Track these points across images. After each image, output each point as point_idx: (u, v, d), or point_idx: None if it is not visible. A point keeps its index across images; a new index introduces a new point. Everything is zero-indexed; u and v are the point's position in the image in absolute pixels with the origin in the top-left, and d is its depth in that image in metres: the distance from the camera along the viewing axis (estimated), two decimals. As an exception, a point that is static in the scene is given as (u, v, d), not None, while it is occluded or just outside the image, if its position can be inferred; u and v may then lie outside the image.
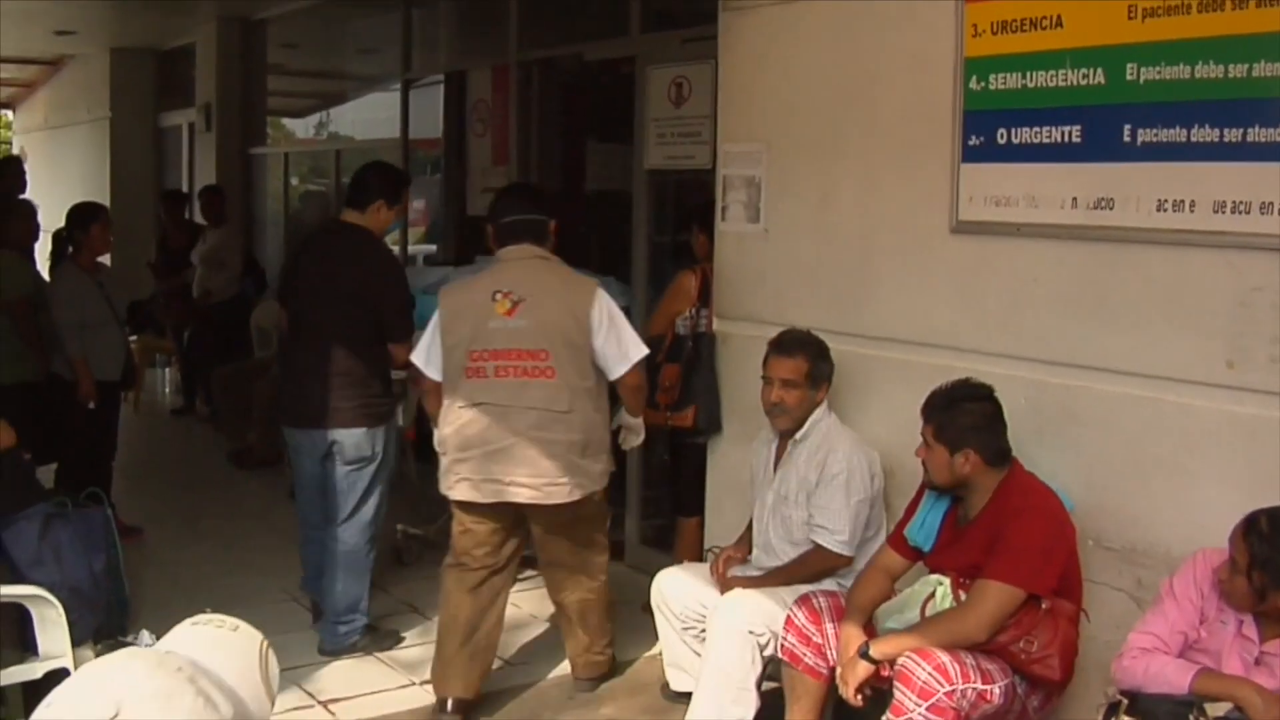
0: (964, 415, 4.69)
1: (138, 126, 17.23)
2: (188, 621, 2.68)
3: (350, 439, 6.40)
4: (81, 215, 8.70)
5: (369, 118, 12.71)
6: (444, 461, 5.74)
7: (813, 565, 5.35)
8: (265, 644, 2.58)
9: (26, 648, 5.21)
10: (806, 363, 5.41)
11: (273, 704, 2.56)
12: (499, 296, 5.60)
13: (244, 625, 2.63)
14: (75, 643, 5.19)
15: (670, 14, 8.36)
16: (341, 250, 6.49)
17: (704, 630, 5.45)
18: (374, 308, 6.39)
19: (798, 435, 5.44)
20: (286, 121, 15.36)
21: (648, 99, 7.77)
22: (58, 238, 9.46)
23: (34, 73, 19.98)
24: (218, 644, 2.54)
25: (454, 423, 5.65)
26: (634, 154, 8.00)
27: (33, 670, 5.13)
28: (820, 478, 5.34)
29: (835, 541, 5.30)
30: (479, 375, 5.61)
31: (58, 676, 4.50)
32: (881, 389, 5.57)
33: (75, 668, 4.71)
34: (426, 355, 5.77)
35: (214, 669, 2.42)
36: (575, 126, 9.69)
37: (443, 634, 5.86)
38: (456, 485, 5.68)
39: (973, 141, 5.23)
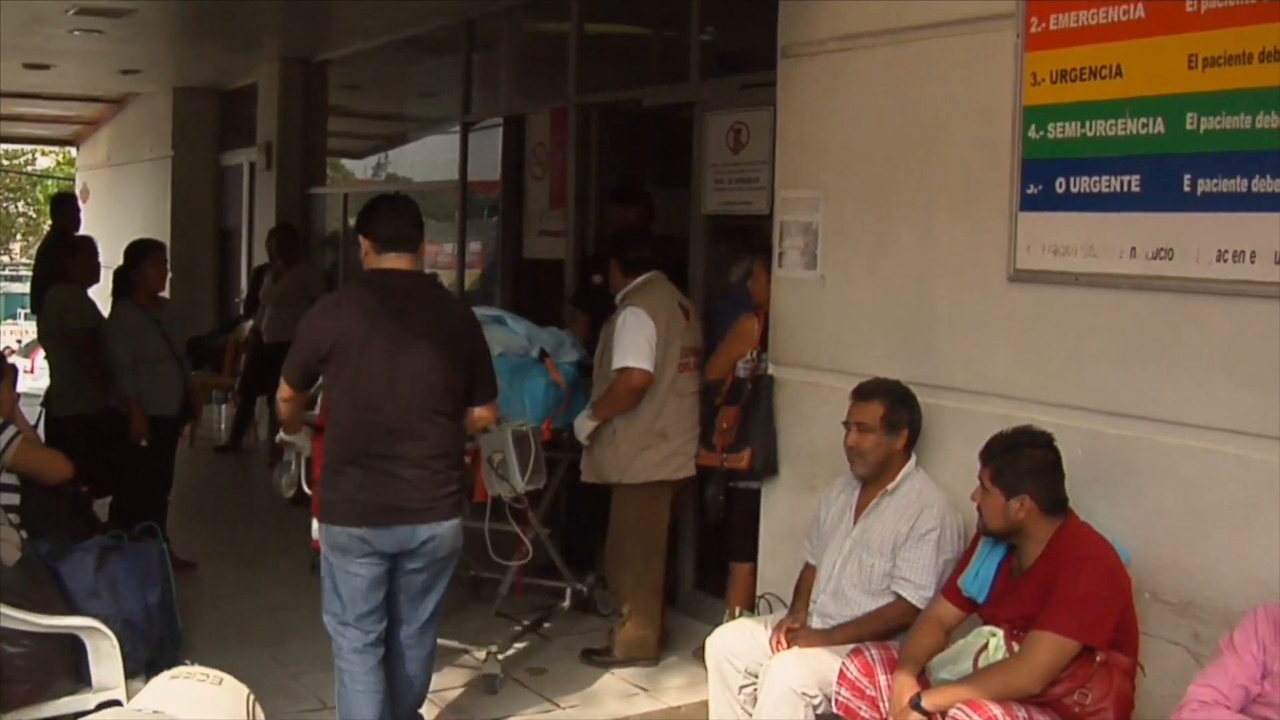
0: (1023, 460, 4.67)
1: (199, 165, 17.39)
2: (166, 675, 2.59)
3: (450, 532, 5.47)
4: (135, 252, 8.79)
5: (428, 160, 12.77)
6: (663, 447, 6.92)
7: (891, 619, 5.30)
8: (253, 698, 2.50)
9: (80, 679, 5.24)
10: (883, 407, 5.39)
11: None
12: (684, 306, 7.15)
13: (228, 678, 2.55)
14: (128, 675, 5.21)
15: (729, 60, 8.37)
16: (424, 303, 5.50)
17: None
18: (468, 366, 5.52)
19: (889, 487, 5.40)
20: (346, 162, 15.45)
21: (706, 144, 7.80)
22: (118, 275, 9.56)
23: (98, 110, 20.20)
24: (204, 700, 2.46)
25: (674, 411, 6.95)
26: (691, 199, 8.02)
27: (86, 702, 5.16)
28: (911, 531, 5.30)
29: (919, 596, 5.24)
30: (686, 369, 6.99)
31: (110, 708, 4.51)
32: (937, 437, 5.53)
33: (128, 699, 4.72)
34: (647, 354, 6.81)
35: None
36: (633, 171, 9.70)
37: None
38: (683, 465, 6.99)
39: (1031, 190, 5.22)
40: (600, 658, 7.11)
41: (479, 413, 5.66)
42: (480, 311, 6.44)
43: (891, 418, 5.39)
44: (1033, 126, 5.20)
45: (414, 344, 5.33)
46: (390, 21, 11.95)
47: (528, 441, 6.72)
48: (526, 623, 7.46)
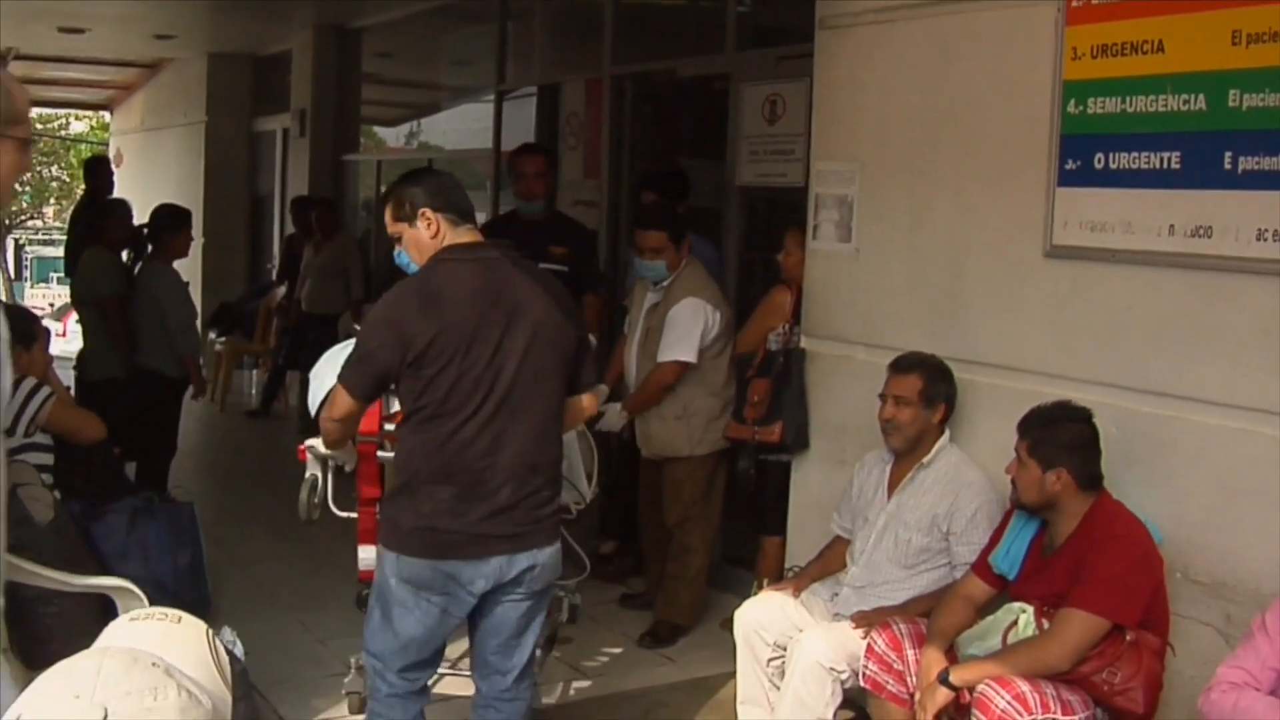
0: (1061, 433, 4.64)
1: (232, 131, 17.42)
2: (125, 617, 2.60)
3: (551, 559, 4.62)
4: (173, 218, 8.87)
5: (461, 128, 12.78)
6: (724, 416, 6.93)
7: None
8: (210, 632, 2.51)
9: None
10: (921, 381, 5.37)
11: (230, 694, 2.49)
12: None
13: (186, 616, 2.55)
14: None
15: (765, 32, 8.35)
16: (524, 280, 4.58)
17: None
18: (573, 350, 4.66)
19: (925, 460, 5.38)
20: (379, 130, 15.46)
21: (741, 116, 7.79)
22: (147, 236, 9.68)
23: (132, 75, 20.23)
24: (167, 637, 2.46)
25: (724, 394, 6.95)
26: (725, 170, 8.00)
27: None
28: (954, 513, 5.27)
29: None
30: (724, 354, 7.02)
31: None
32: (969, 413, 5.51)
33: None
34: (696, 346, 6.84)
35: (174, 662, 2.36)
36: (667, 141, 9.68)
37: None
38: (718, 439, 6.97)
39: (1069, 165, 5.17)
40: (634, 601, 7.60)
41: (585, 402, 4.80)
42: None
43: (929, 392, 5.37)
44: (1072, 101, 5.16)
45: (521, 332, 4.45)
46: (425, -11, 11.95)
47: (586, 439, 5.94)
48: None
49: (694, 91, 9.16)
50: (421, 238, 4.55)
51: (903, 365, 5.45)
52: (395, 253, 4.70)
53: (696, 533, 7.13)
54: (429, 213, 4.54)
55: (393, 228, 4.64)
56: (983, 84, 5.57)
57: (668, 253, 6.93)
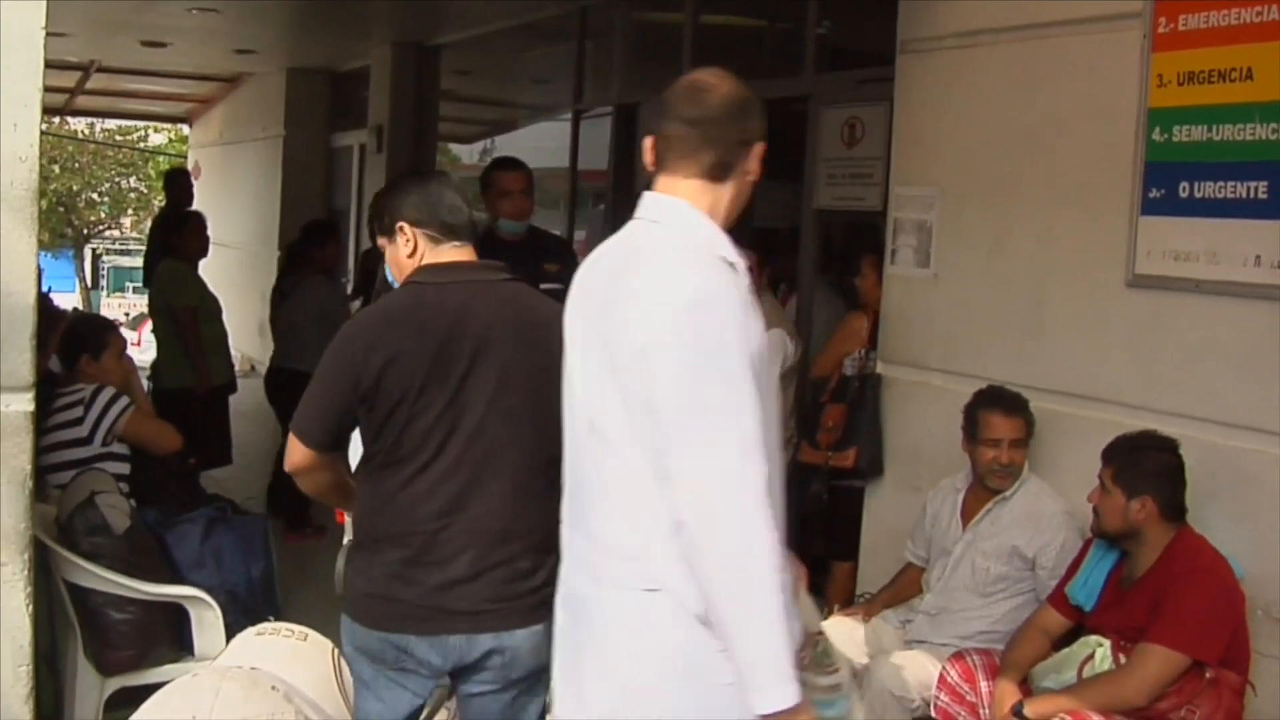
0: (1147, 461, 4.58)
1: (310, 145, 17.51)
2: (252, 631, 2.55)
3: (529, 643, 3.75)
4: (319, 232, 9.96)
5: (538, 146, 12.77)
6: None
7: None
8: (336, 652, 2.47)
9: (182, 647, 5.30)
10: (1025, 423, 5.31)
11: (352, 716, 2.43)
12: None
13: (313, 634, 2.51)
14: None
15: (845, 54, 8.32)
16: (506, 305, 3.89)
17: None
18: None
19: (1006, 494, 5.31)
20: (456, 147, 15.50)
21: (819, 139, 7.76)
22: (291, 251, 10.19)
23: (212, 89, 20.41)
24: (293, 656, 2.43)
25: (788, 427, 6.35)
26: (803, 193, 7.97)
27: (188, 669, 5.19)
28: (1041, 545, 5.19)
29: None
30: None
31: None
32: (1048, 442, 5.45)
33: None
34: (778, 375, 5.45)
35: (296, 683, 2.31)
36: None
37: None
38: None
39: (1153, 194, 5.12)
40: None
41: None
42: None
43: (1030, 431, 5.32)
44: (1157, 129, 5.11)
45: (490, 371, 3.75)
46: (504, 8, 11.93)
47: None
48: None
49: (772, 113, 9.05)
50: (399, 256, 3.98)
51: (1011, 408, 5.33)
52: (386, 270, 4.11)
53: None
54: (406, 228, 3.95)
55: (379, 242, 4.12)
56: (1066, 110, 5.52)
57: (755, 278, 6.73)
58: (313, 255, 9.72)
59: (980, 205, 5.91)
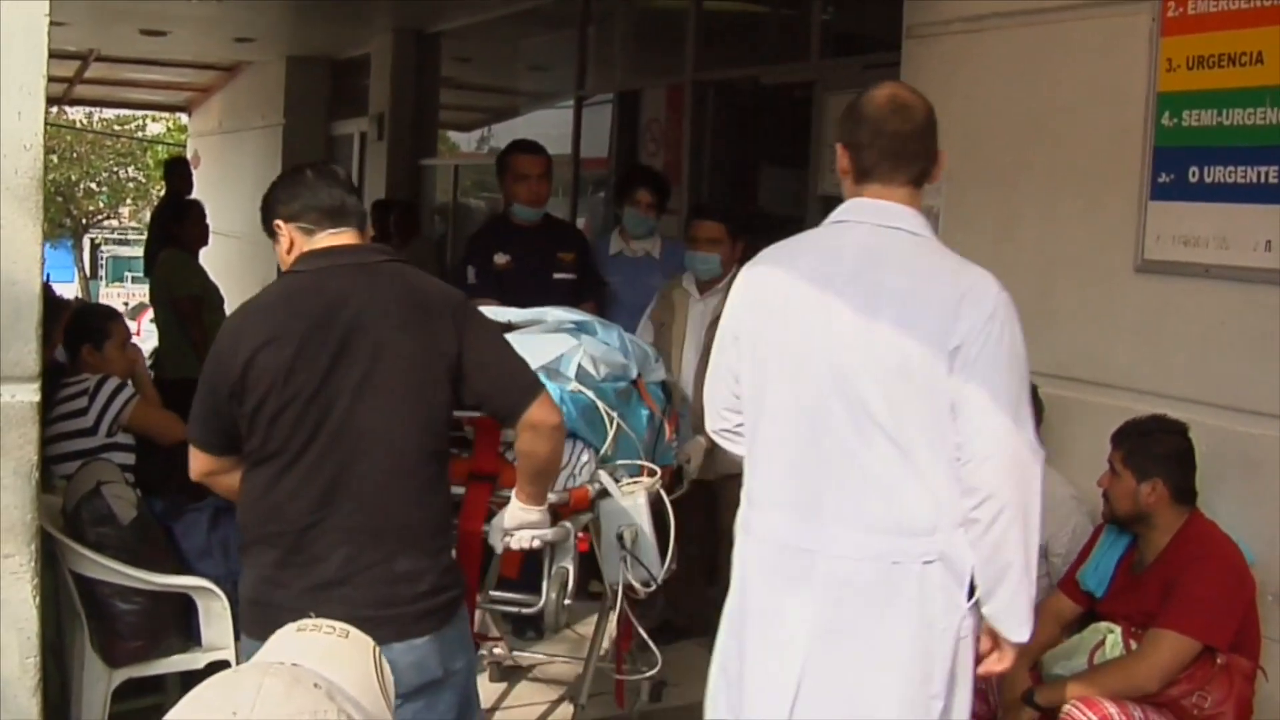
0: (1157, 444, 4.58)
1: (310, 134, 17.49)
2: (292, 626, 2.52)
3: (415, 656, 3.55)
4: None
5: (540, 133, 12.64)
6: None
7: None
8: (377, 650, 2.44)
9: (190, 638, 5.28)
10: None
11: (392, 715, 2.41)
12: None
13: (354, 631, 2.48)
14: (237, 635, 5.23)
15: (850, 40, 8.31)
16: (378, 288, 3.66)
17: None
18: (451, 375, 3.65)
19: None
20: (457, 135, 15.48)
21: (825, 124, 7.73)
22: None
23: (211, 78, 20.41)
24: (332, 653, 2.40)
25: None
26: (808, 179, 7.95)
27: (195, 660, 5.19)
28: (1047, 527, 5.09)
29: None
30: None
31: (219, 668, 4.54)
32: (1057, 429, 5.42)
33: (237, 660, 4.75)
34: None
35: (338, 681, 2.29)
36: (748, 149, 9.63)
37: None
38: None
39: (1162, 179, 5.11)
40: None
41: (533, 417, 3.69)
42: (559, 317, 5.24)
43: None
44: (1166, 113, 5.09)
45: (359, 357, 3.54)
46: (506, -6, 11.95)
47: (661, 505, 4.88)
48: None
49: (777, 99, 9.11)
50: (281, 254, 3.83)
51: None
52: None
53: None
54: (280, 225, 3.79)
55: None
56: (1074, 95, 5.50)
57: (723, 247, 6.50)
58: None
59: (987, 191, 5.89)
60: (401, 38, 14.54)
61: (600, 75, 11.62)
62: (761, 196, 9.31)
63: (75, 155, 36.69)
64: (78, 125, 36.07)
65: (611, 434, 4.72)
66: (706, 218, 6.63)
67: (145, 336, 15.09)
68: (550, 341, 4.88)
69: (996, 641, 3.56)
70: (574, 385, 4.68)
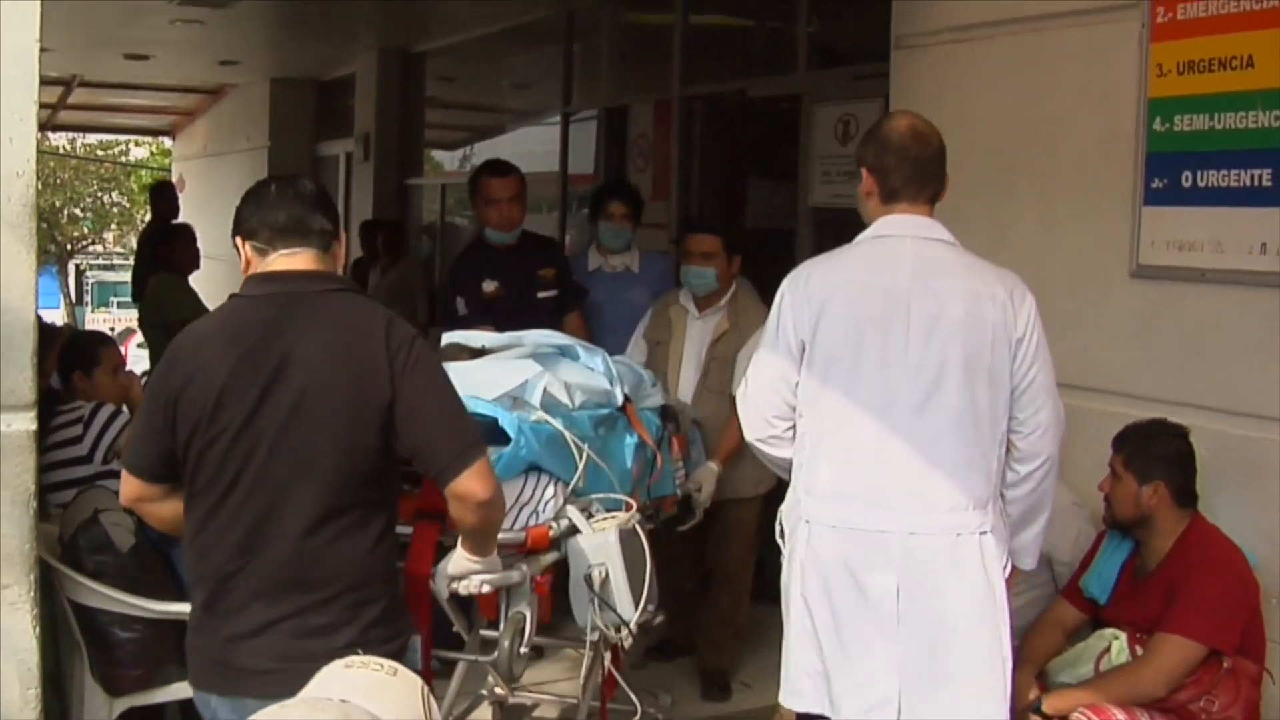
0: (1158, 446, 4.59)
1: (296, 155, 17.44)
2: (340, 663, 2.49)
3: None
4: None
5: (527, 151, 12.74)
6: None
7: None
8: (426, 690, 2.41)
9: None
10: None
11: None
12: None
13: (402, 668, 2.45)
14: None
15: (838, 51, 8.32)
16: (309, 321, 3.46)
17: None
18: (382, 421, 3.42)
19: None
20: (443, 154, 15.48)
21: (813, 136, 7.74)
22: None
23: (195, 101, 20.38)
24: (380, 690, 2.36)
25: None
26: (798, 191, 7.95)
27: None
28: (1049, 535, 5.07)
29: None
30: None
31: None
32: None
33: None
34: None
35: (385, 718, 2.25)
36: (737, 162, 9.62)
37: None
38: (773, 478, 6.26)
39: (1155, 184, 5.11)
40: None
41: (459, 488, 3.44)
42: (540, 340, 5.04)
43: None
44: (1158, 119, 5.10)
45: (284, 394, 3.37)
46: (489, 12, 11.96)
47: (637, 541, 4.56)
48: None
49: (764, 112, 9.11)
50: (243, 273, 3.66)
51: None
52: None
53: (747, 576, 6.62)
54: (239, 241, 3.63)
55: None
56: (1065, 102, 5.50)
57: (719, 260, 6.23)
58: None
59: (980, 200, 5.86)
60: (386, 57, 14.54)
61: (586, 91, 11.64)
62: (751, 210, 9.28)
63: (59, 181, 36.62)
64: (61, 151, 35.98)
65: (581, 466, 4.51)
66: (701, 230, 6.38)
67: (133, 361, 15.06)
68: (514, 368, 4.67)
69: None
70: (538, 415, 4.48)
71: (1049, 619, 4.89)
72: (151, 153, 35.24)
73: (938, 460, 3.91)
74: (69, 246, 40.31)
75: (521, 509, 4.39)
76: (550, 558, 4.44)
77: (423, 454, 3.48)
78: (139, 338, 10.65)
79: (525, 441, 4.28)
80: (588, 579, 4.37)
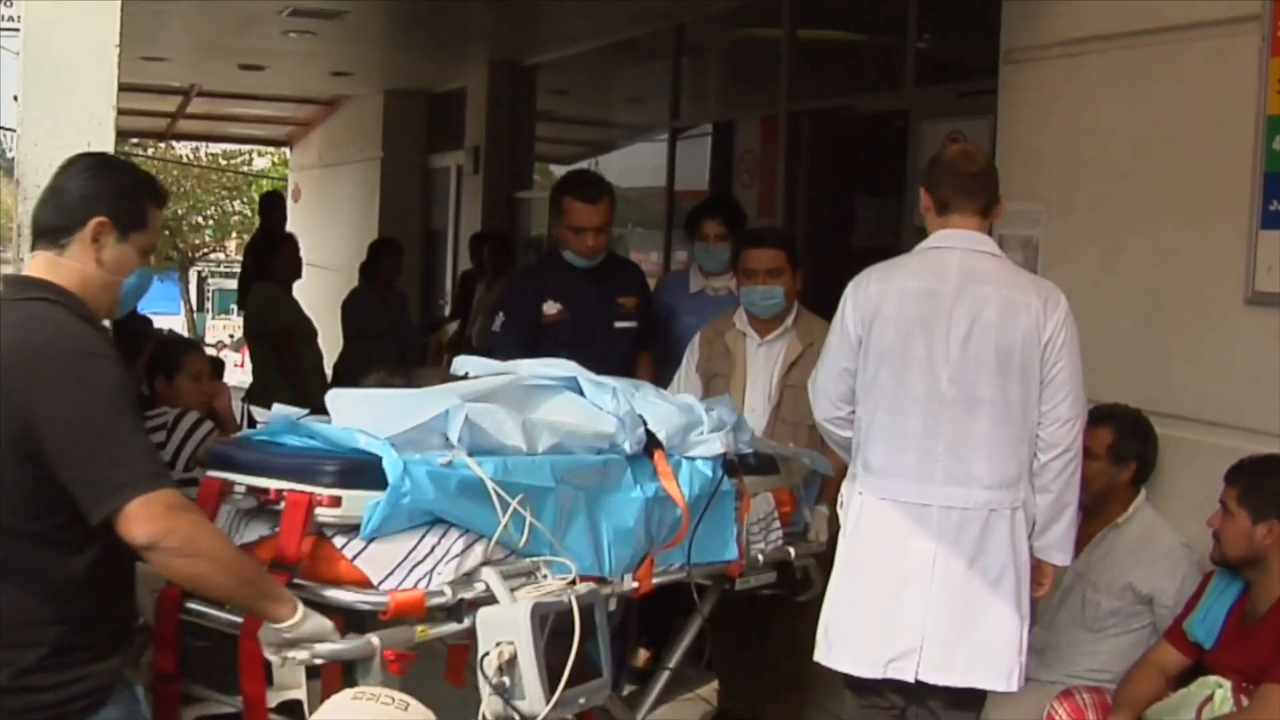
0: (1276, 483, 4.37)
1: (407, 167, 17.51)
2: (348, 693, 2.37)
3: None
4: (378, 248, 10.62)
5: (634, 166, 12.69)
6: None
7: None
8: None
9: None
10: (1111, 435, 5.06)
11: None
12: None
13: (414, 703, 2.32)
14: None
15: (946, 67, 8.18)
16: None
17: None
18: (20, 452, 3.07)
19: (1119, 521, 5.08)
20: (553, 167, 15.44)
21: (921, 153, 7.57)
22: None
23: (311, 112, 20.53)
24: None
25: None
26: (904, 209, 7.80)
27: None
28: (1154, 579, 4.92)
29: None
30: None
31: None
32: (1160, 469, 5.20)
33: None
34: None
35: None
36: (844, 180, 9.47)
37: None
38: None
39: (1274, 206, 4.88)
40: None
41: (121, 530, 3.06)
42: (534, 371, 4.51)
43: (1120, 447, 5.06)
44: (1277, 138, 4.87)
45: None
46: (600, 26, 11.91)
47: (583, 618, 3.82)
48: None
49: (872, 128, 8.95)
50: None
51: (1094, 417, 5.12)
52: None
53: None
54: None
55: None
56: (1180, 120, 5.30)
57: (785, 277, 5.81)
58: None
59: (1089, 220, 5.69)
60: (497, 70, 14.53)
61: (695, 106, 11.56)
62: (858, 227, 9.14)
63: (182, 189, 37.16)
64: (184, 160, 36.55)
65: (504, 520, 3.80)
66: (763, 245, 5.90)
67: (249, 369, 15.20)
68: (430, 398, 3.99)
69: (1041, 571, 4.64)
70: (454, 456, 3.81)
71: (1150, 662, 4.68)
72: (273, 163, 35.67)
73: (974, 445, 4.45)
74: (191, 254, 40.92)
75: (414, 568, 3.74)
76: (445, 629, 3.81)
77: (74, 489, 3.06)
78: (250, 346, 10.84)
79: (412, 487, 3.66)
80: (483, 660, 3.66)
